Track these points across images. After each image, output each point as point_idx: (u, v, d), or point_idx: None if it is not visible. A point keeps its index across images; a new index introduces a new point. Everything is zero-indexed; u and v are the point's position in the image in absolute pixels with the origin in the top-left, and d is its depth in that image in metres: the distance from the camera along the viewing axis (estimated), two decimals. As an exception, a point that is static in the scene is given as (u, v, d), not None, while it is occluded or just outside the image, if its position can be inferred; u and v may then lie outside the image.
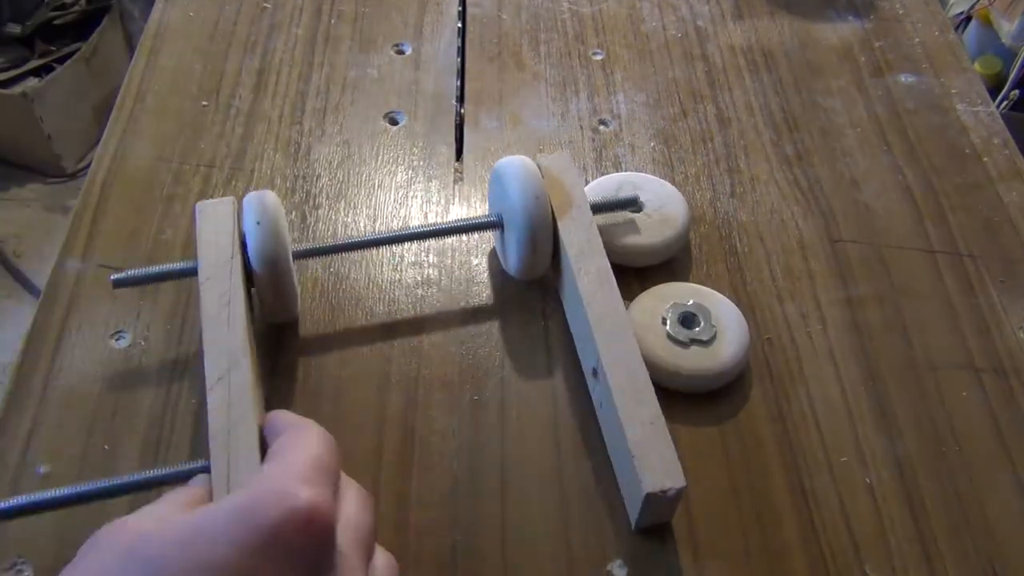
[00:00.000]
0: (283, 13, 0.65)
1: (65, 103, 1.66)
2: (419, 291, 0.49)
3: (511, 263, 0.47)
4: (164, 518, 0.30)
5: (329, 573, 0.29)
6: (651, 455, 0.38)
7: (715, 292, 0.48)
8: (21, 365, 0.45)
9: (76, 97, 1.69)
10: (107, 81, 1.73)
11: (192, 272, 0.43)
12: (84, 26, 1.72)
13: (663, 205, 0.51)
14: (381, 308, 0.48)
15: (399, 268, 0.50)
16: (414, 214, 0.53)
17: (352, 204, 0.53)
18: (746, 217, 0.54)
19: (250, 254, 0.42)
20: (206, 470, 0.36)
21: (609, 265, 0.44)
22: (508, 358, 0.47)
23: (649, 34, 0.66)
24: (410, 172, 0.55)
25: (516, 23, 0.66)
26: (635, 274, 0.50)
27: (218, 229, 0.43)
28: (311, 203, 0.53)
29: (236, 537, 0.27)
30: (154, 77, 0.59)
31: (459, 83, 0.61)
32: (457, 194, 0.55)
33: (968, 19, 1.51)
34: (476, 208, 0.54)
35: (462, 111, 0.60)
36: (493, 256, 0.51)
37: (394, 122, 0.58)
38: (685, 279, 0.50)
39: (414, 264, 0.50)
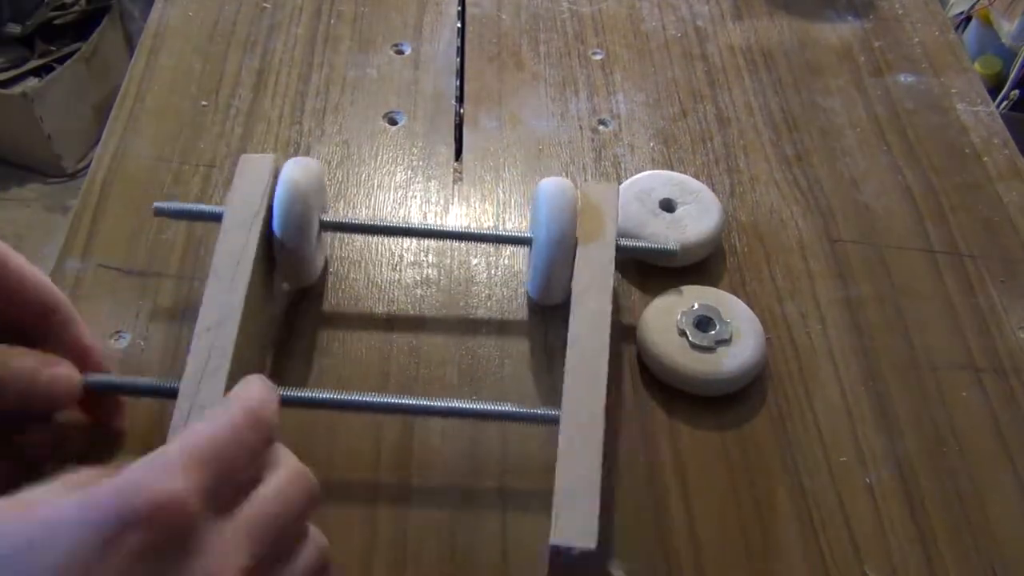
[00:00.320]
0: (283, 13, 0.65)
1: (65, 103, 1.66)
2: (418, 291, 0.49)
3: (530, 283, 0.47)
4: (29, 504, 0.27)
5: (193, 562, 0.27)
6: (574, 509, 0.37)
7: (728, 294, 0.48)
8: (20, 365, 0.45)
9: (76, 97, 1.69)
10: (107, 81, 1.73)
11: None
12: (84, 26, 1.72)
13: (701, 215, 0.51)
14: (380, 308, 0.48)
15: (398, 268, 0.50)
16: (413, 214, 0.53)
17: (352, 204, 0.53)
18: (745, 217, 0.54)
19: (273, 214, 0.42)
20: None
21: (609, 308, 0.42)
22: (507, 358, 0.47)
23: (649, 34, 0.66)
24: (409, 172, 0.55)
25: (515, 23, 0.66)
26: (636, 272, 0.50)
27: (253, 183, 0.43)
28: (311, 203, 0.53)
29: (73, 539, 0.26)
30: (154, 77, 0.59)
31: (458, 83, 0.61)
32: (456, 194, 0.54)
33: (968, 19, 1.51)
34: (476, 208, 0.54)
35: (461, 111, 0.60)
36: (493, 256, 0.51)
37: (393, 122, 0.58)
38: (685, 279, 0.50)
39: (413, 264, 0.50)
